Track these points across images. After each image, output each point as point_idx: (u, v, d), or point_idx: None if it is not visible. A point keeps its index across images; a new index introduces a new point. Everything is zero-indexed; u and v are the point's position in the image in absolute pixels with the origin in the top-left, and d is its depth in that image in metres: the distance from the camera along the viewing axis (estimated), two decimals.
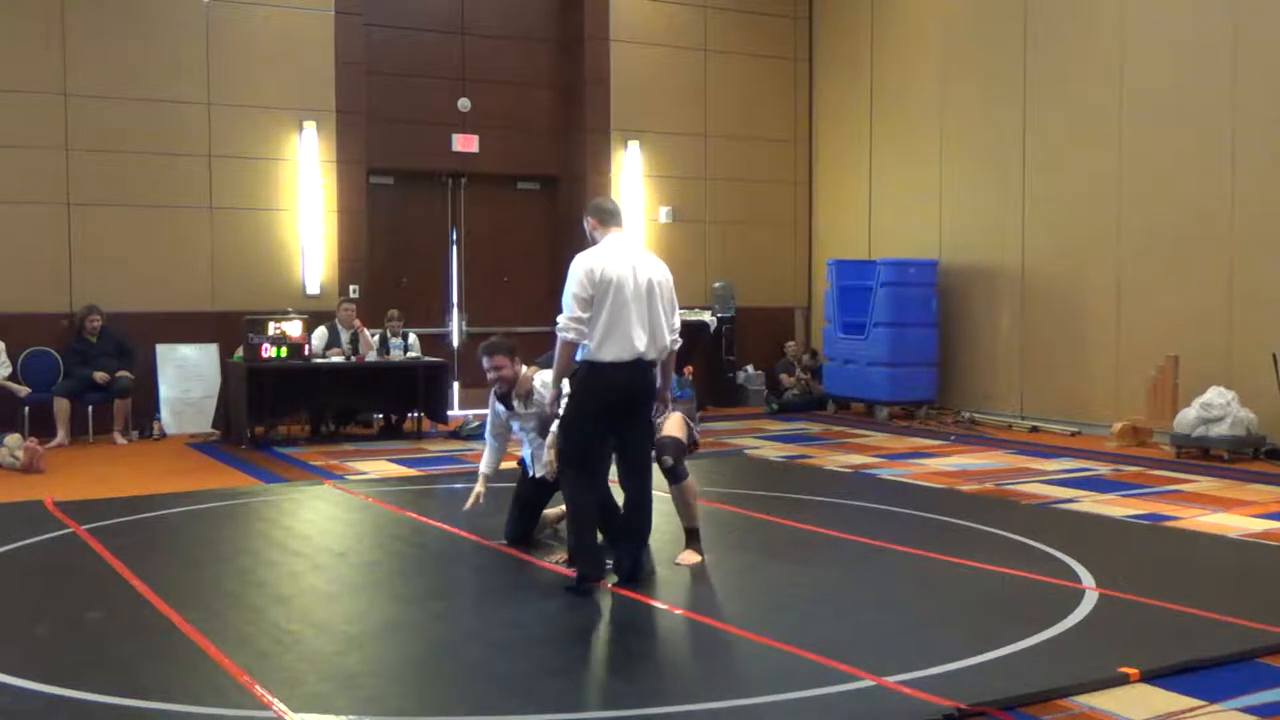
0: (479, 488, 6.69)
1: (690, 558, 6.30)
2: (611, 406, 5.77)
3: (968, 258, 13.39)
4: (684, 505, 6.34)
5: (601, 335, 5.67)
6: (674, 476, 6.24)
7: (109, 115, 11.88)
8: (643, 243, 14.18)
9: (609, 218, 6.01)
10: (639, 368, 5.75)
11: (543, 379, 6.33)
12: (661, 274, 5.94)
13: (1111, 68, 11.78)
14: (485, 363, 6.44)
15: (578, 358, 5.76)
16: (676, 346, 6.02)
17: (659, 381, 5.93)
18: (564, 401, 5.90)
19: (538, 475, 6.54)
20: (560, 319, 5.71)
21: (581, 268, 5.73)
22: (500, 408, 6.61)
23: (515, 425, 6.58)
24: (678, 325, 6.02)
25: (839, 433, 12.29)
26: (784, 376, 14.66)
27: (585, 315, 5.65)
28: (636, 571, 5.91)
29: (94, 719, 4.17)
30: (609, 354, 5.68)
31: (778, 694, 4.35)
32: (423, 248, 13.83)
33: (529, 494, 6.67)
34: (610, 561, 5.99)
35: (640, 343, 5.72)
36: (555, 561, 6.26)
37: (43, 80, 11.64)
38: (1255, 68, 10.63)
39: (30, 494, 8.56)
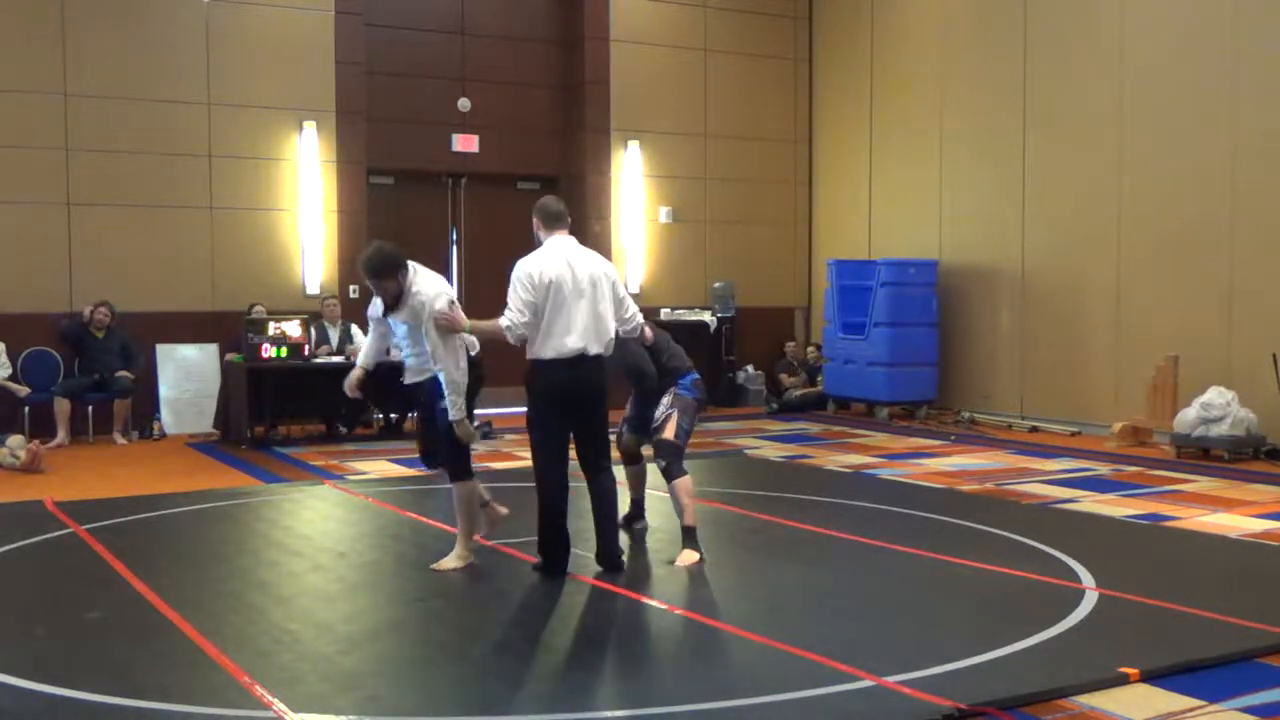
0: (356, 374, 6.50)
1: (688, 558, 6.31)
2: (563, 400, 5.99)
3: (968, 258, 13.39)
4: (677, 503, 6.42)
5: (543, 334, 5.91)
6: (667, 475, 6.40)
7: (109, 115, 11.88)
8: (641, 247, 14.23)
9: (552, 220, 6.15)
10: (583, 363, 5.95)
11: (423, 286, 6.09)
12: (603, 270, 6.11)
13: (1111, 68, 11.78)
14: (374, 284, 6.16)
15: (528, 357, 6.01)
16: (636, 330, 6.30)
17: (644, 342, 6.43)
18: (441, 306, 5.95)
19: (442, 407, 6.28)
20: (506, 318, 5.90)
21: (523, 272, 5.94)
22: (379, 310, 6.35)
23: (391, 323, 6.32)
24: (632, 313, 6.22)
25: (839, 433, 12.30)
26: (783, 376, 14.66)
27: (526, 319, 5.88)
28: (617, 557, 6.18)
29: (94, 719, 4.17)
30: (549, 351, 5.91)
31: (778, 694, 4.35)
32: (423, 248, 13.75)
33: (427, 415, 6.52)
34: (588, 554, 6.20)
35: (579, 339, 5.92)
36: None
37: (43, 80, 11.64)
38: (1255, 67, 10.63)
39: (30, 494, 8.57)
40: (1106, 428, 11.36)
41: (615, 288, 6.15)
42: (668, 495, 6.47)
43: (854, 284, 13.59)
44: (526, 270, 5.96)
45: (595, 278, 6.04)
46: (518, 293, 5.91)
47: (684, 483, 6.40)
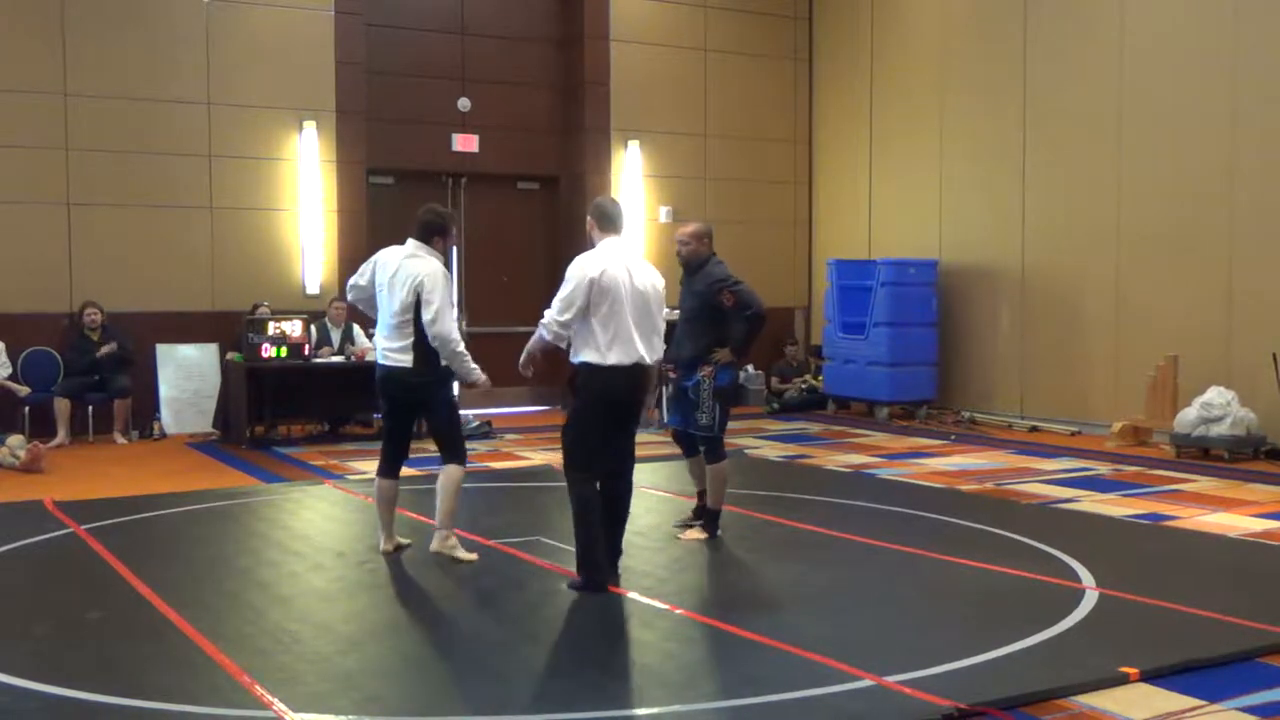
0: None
1: (694, 534, 6.53)
2: (614, 408, 5.85)
3: (968, 258, 13.39)
4: (712, 485, 6.81)
5: (603, 339, 5.73)
6: (711, 458, 6.75)
7: (109, 115, 11.87)
8: (641, 246, 14.22)
9: (609, 223, 6.03)
10: (641, 373, 5.85)
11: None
12: (657, 282, 6.02)
13: (1111, 68, 11.78)
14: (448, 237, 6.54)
15: (577, 360, 5.84)
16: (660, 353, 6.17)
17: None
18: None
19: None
20: (546, 315, 5.79)
21: (579, 271, 5.78)
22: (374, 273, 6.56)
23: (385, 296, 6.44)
24: (662, 330, 6.12)
25: (839, 433, 12.29)
26: (775, 380, 14.59)
27: (569, 319, 5.74)
28: (617, 557, 6.07)
29: (94, 719, 4.17)
30: (613, 357, 5.74)
31: (778, 694, 4.36)
32: None
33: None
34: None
35: (640, 348, 5.81)
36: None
37: (43, 80, 11.64)
38: (1255, 68, 10.63)
39: (30, 494, 8.56)
40: (1106, 427, 11.36)
41: (662, 303, 6.05)
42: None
43: (854, 284, 13.59)
44: (583, 269, 5.79)
45: (649, 287, 5.93)
46: (568, 291, 5.76)
47: (721, 468, 6.81)
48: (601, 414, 5.85)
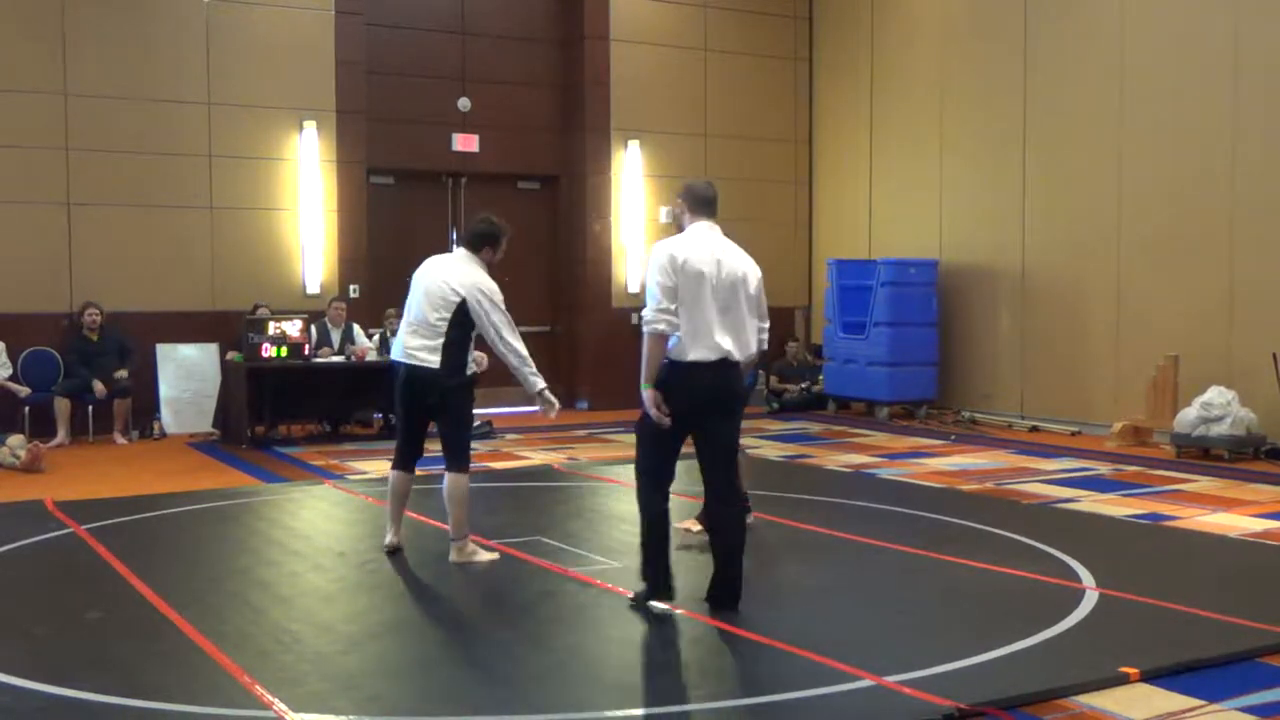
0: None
1: (690, 524, 6.57)
2: (693, 410, 5.28)
3: (968, 258, 13.39)
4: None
5: (689, 333, 5.21)
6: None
7: (109, 115, 11.87)
8: (641, 247, 14.21)
9: (700, 206, 5.53)
10: (724, 368, 5.28)
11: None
12: (749, 270, 5.44)
13: (1111, 68, 11.78)
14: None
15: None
16: (762, 350, 5.56)
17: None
18: None
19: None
20: (646, 311, 5.26)
21: (664, 255, 5.28)
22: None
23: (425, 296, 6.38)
24: (765, 329, 5.54)
25: (839, 432, 12.29)
26: (774, 379, 14.58)
27: (673, 305, 5.18)
28: (735, 596, 5.38)
29: (94, 719, 4.17)
30: (694, 353, 5.21)
31: (778, 694, 4.36)
32: (423, 248, 13.70)
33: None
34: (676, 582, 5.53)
35: (725, 341, 5.26)
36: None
37: (43, 80, 11.64)
38: (1255, 67, 10.63)
39: (30, 494, 8.56)
40: (1107, 427, 11.36)
41: (759, 291, 5.45)
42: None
43: (854, 284, 13.59)
44: (669, 253, 5.28)
45: (741, 275, 5.36)
46: (658, 279, 5.22)
47: (739, 461, 6.69)
48: (679, 420, 5.25)
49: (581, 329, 14.21)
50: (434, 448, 6.54)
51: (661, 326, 5.19)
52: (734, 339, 5.29)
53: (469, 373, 6.33)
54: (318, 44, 12.74)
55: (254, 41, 12.49)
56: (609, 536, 7.10)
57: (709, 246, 5.37)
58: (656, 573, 5.41)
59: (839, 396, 13.95)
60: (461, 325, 6.21)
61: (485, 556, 6.40)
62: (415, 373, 6.27)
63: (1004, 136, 12.88)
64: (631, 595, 5.54)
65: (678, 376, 5.24)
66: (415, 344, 6.28)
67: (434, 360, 6.21)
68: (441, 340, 6.21)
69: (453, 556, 6.37)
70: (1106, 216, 11.84)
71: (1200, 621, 5.24)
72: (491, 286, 6.27)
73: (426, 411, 6.44)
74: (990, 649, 4.78)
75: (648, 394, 5.26)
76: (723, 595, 5.39)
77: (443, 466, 6.38)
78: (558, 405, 6.56)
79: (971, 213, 13.38)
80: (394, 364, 6.47)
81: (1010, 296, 12.95)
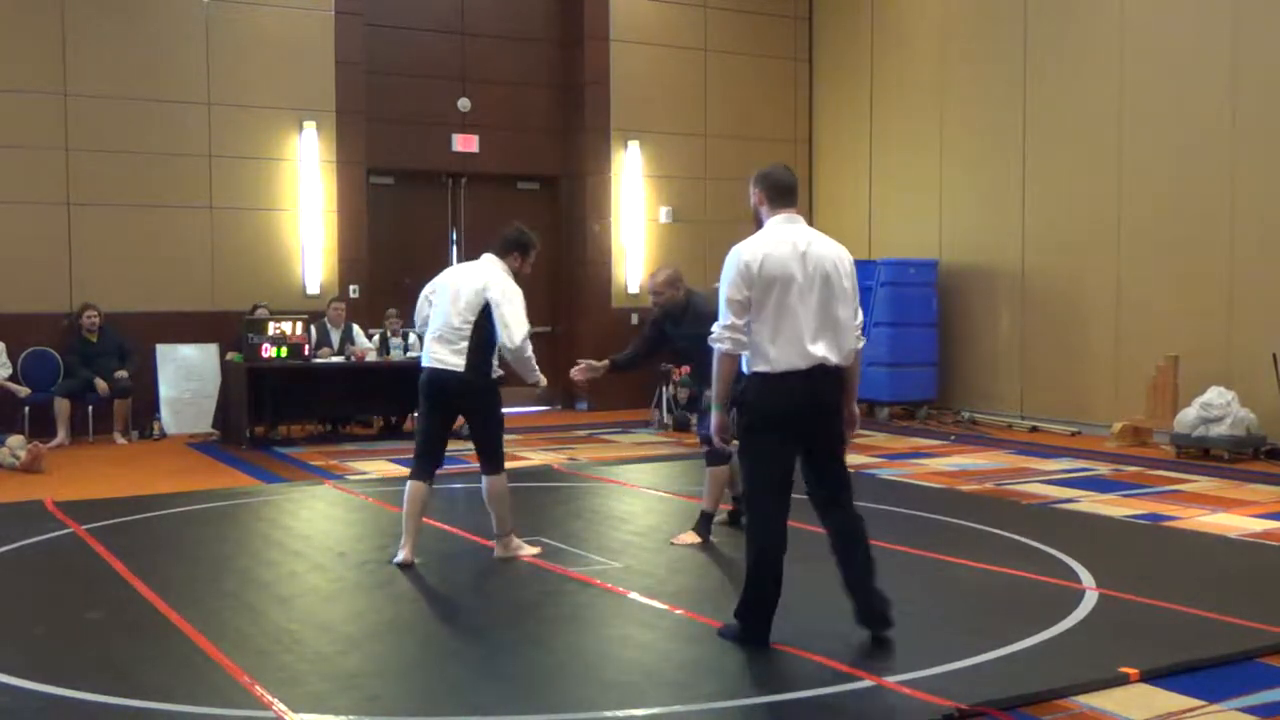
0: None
1: (687, 538, 6.64)
2: (795, 423, 4.79)
3: (968, 258, 13.39)
4: (712, 488, 6.77)
5: (768, 340, 4.72)
6: (710, 459, 6.67)
7: (109, 115, 11.88)
8: (641, 247, 14.21)
9: (780, 195, 4.97)
10: (824, 377, 4.79)
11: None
12: (837, 257, 4.91)
13: (1111, 68, 11.78)
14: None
15: (747, 372, 4.84)
16: (860, 345, 5.10)
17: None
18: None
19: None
20: (715, 327, 4.78)
21: (738, 262, 4.75)
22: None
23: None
24: (860, 321, 5.09)
25: None
26: None
27: (742, 322, 4.71)
28: (886, 613, 4.92)
29: (94, 719, 4.17)
30: (783, 362, 4.71)
31: (778, 694, 4.36)
32: (423, 248, 13.82)
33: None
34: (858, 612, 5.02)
35: (818, 348, 4.77)
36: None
37: (43, 80, 11.64)
38: (1255, 67, 10.63)
39: (30, 494, 8.56)
40: (1106, 428, 11.36)
41: (852, 281, 4.94)
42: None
43: None
44: (743, 260, 4.73)
45: (830, 269, 4.83)
46: (728, 293, 4.72)
47: (719, 471, 6.75)
48: (778, 437, 4.78)
49: (581, 329, 14.21)
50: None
51: (726, 345, 4.73)
52: (828, 343, 4.81)
53: (494, 374, 6.35)
54: (317, 44, 12.74)
55: (254, 42, 12.49)
56: (609, 536, 7.10)
57: (792, 241, 4.83)
58: (756, 619, 4.89)
59: None
60: (486, 327, 6.22)
61: (529, 550, 6.52)
62: (440, 375, 6.27)
63: (1004, 137, 12.88)
64: (721, 626, 5.05)
65: (767, 390, 4.74)
66: (439, 348, 6.29)
67: (459, 364, 6.22)
68: (466, 344, 6.21)
69: (498, 552, 6.48)
70: (1106, 217, 11.84)
71: (1200, 621, 5.24)
72: (513, 286, 6.28)
73: (451, 415, 6.45)
74: (990, 649, 4.78)
75: (715, 418, 4.91)
76: (879, 614, 4.92)
77: (447, 467, 6.43)
78: (545, 381, 6.62)
79: (971, 213, 13.38)
80: (419, 369, 6.47)
81: (1010, 296, 12.95)
